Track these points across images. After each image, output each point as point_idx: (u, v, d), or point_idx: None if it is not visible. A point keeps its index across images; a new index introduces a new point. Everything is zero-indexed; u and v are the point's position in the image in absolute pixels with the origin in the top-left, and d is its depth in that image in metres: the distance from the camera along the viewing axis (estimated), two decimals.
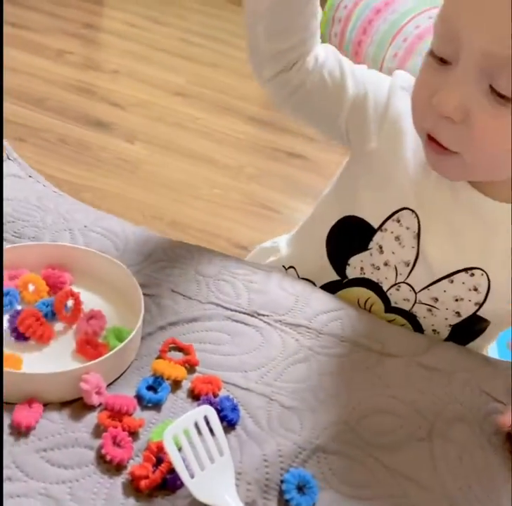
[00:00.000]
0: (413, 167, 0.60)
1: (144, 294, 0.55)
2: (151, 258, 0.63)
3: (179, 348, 0.53)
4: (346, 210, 0.64)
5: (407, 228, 0.61)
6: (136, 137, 2.02)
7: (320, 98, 0.62)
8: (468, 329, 0.64)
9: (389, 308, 0.65)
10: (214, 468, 0.43)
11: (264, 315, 0.60)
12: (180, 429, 0.42)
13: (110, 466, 0.44)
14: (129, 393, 0.48)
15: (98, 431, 0.45)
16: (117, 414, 0.46)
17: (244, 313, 0.59)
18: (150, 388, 0.49)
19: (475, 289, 0.60)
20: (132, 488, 0.43)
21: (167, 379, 0.50)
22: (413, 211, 0.60)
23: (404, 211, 0.60)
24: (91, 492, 0.42)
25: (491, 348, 1.89)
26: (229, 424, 0.48)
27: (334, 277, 0.67)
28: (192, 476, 0.42)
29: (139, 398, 0.48)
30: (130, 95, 2.25)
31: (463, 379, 0.59)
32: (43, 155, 1.78)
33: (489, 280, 0.59)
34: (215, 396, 0.50)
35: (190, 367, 0.52)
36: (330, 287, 0.67)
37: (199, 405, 0.49)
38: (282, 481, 0.45)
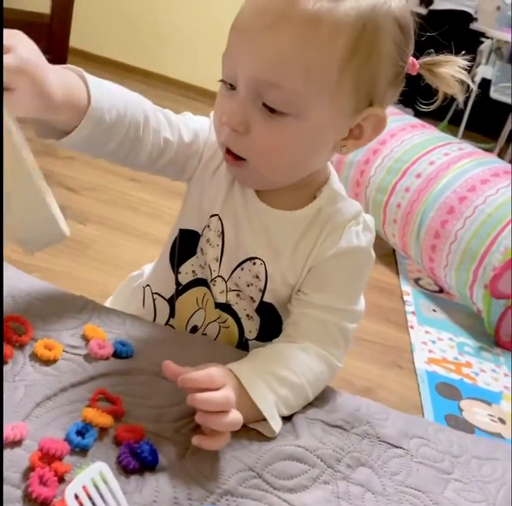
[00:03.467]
0: (223, 182, 0.74)
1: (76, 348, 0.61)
2: (88, 323, 0.70)
3: (107, 399, 0.59)
4: (181, 225, 0.78)
5: (214, 231, 0.74)
6: (88, 219, 2.10)
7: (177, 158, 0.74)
8: (270, 315, 0.74)
9: (216, 304, 0.76)
10: None
11: None
12: (79, 487, 0.47)
13: (35, 503, 0.48)
14: (59, 435, 0.53)
15: (27, 473, 0.50)
16: (48, 456, 0.51)
17: None
18: (78, 433, 0.54)
19: (257, 277, 0.73)
20: None
21: (95, 426, 0.55)
22: (218, 216, 0.74)
23: (213, 217, 0.74)
24: None
25: (411, 311, 2.14)
26: (148, 465, 0.54)
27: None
28: None
29: (68, 441, 0.53)
30: (84, 180, 2.35)
31: (362, 431, 0.66)
32: None
33: (266, 268, 0.72)
34: (137, 442, 0.55)
35: (117, 417, 0.58)
36: (175, 297, 0.79)
37: (121, 450, 0.54)
38: None
